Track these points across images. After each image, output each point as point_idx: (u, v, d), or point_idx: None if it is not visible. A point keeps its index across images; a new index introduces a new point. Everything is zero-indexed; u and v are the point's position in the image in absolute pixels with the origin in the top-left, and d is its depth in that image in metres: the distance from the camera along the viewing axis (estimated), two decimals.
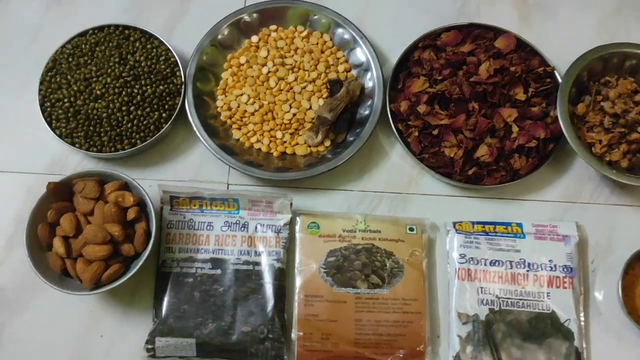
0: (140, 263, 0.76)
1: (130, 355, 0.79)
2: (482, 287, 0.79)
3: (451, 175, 0.84)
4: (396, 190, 0.87)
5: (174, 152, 0.89)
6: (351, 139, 0.88)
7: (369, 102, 0.89)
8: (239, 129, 0.90)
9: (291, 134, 0.89)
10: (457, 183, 0.85)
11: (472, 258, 0.80)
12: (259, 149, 0.89)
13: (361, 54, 0.92)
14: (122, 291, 0.81)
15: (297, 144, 0.89)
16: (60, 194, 0.79)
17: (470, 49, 0.90)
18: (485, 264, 0.80)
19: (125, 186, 0.80)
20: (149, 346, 0.77)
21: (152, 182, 0.85)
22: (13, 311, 0.81)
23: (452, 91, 0.86)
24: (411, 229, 0.83)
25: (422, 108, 0.86)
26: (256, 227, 0.83)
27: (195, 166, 0.89)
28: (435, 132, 0.85)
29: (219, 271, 0.80)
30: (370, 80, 0.90)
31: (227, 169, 0.89)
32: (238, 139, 0.90)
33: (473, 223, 0.83)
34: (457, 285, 0.79)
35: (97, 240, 0.75)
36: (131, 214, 0.78)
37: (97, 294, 0.81)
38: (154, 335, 0.78)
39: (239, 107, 0.90)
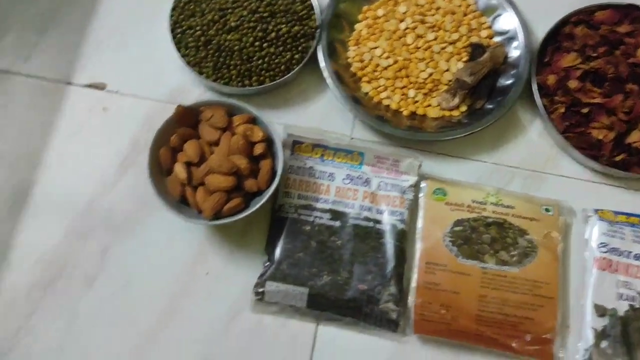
0: (263, 201, 0.72)
1: (236, 297, 0.75)
2: (623, 281, 0.72)
3: (597, 159, 0.78)
4: (531, 168, 0.81)
5: (299, 97, 0.85)
6: (489, 106, 0.82)
7: (513, 72, 0.84)
8: (369, 82, 0.85)
9: (425, 94, 0.84)
10: (601, 168, 0.78)
11: (614, 249, 0.73)
12: (388, 106, 0.84)
13: (507, 22, 0.86)
14: (233, 230, 0.78)
15: (429, 105, 0.84)
16: (187, 119, 0.75)
17: (627, 30, 0.83)
18: (629, 257, 0.73)
19: (253, 122, 0.76)
20: (259, 289, 0.73)
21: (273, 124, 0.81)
22: (119, 234, 0.78)
23: (607, 70, 0.79)
24: (547, 210, 0.77)
25: (573, 84, 0.80)
26: (379, 185, 0.78)
27: (319, 115, 0.84)
28: (585, 110, 0.79)
29: (338, 223, 0.76)
30: (517, 49, 0.85)
31: (352, 122, 0.84)
32: (367, 93, 0.85)
33: (615, 213, 0.76)
34: (595, 275, 0.73)
35: (223, 170, 0.71)
36: (258, 149, 0.74)
37: (209, 228, 0.78)
38: (266, 279, 0.73)
39: (371, 60, 0.86)
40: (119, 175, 0.81)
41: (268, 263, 0.75)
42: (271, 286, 0.73)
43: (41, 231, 0.78)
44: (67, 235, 0.78)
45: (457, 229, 0.75)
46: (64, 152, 0.83)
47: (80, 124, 0.84)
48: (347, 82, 0.84)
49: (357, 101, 0.82)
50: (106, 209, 0.80)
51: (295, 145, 0.80)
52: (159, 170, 0.74)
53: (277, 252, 0.75)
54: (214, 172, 0.72)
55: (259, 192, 0.74)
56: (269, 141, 0.75)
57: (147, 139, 0.77)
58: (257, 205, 0.72)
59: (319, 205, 0.77)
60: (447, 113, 0.83)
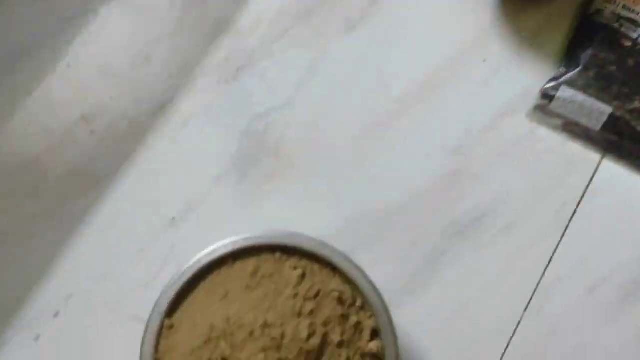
0: None
1: (511, 96, 0.63)
2: None
3: None
4: None
5: None
6: None
7: None
8: None
9: None
10: None
11: None
12: None
13: None
14: (529, 21, 0.64)
15: None
16: None
17: None
18: None
19: None
20: (550, 93, 0.60)
21: None
22: None
23: None
24: None
25: None
26: None
27: None
28: None
29: None
30: None
31: None
32: None
33: None
34: None
35: None
36: None
37: (501, 10, 0.64)
38: (562, 82, 0.60)
39: None
40: None
41: (564, 69, 0.61)
42: (566, 92, 0.60)
43: None
44: None
45: None
46: None
47: None
48: None
49: None
50: None
51: None
52: None
53: (584, 57, 0.61)
54: None
55: None
56: None
57: None
58: None
59: None
60: None
